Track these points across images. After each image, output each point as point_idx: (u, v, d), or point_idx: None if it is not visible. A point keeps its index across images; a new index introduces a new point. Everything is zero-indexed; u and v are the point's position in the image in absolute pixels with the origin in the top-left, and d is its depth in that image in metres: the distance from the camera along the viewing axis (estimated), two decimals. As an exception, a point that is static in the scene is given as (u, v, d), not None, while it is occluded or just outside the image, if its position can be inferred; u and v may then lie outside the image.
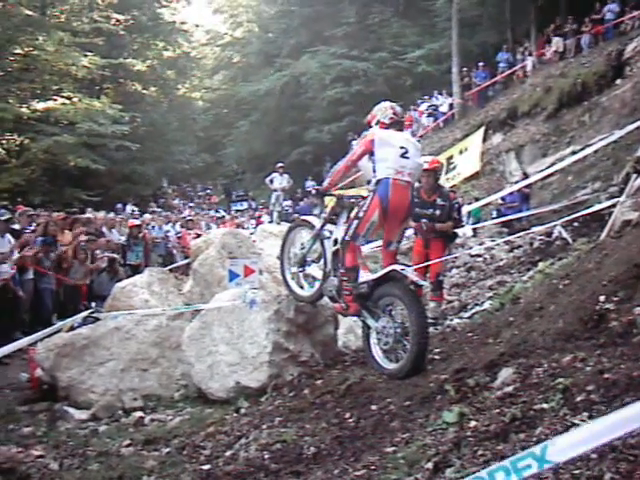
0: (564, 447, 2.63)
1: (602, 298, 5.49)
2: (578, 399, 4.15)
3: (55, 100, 32.53)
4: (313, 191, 7.73)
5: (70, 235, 15.01)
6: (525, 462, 2.62)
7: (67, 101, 32.70)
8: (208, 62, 60.02)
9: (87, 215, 19.17)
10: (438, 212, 10.08)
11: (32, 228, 14.21)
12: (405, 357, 6.39)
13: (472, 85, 30.79)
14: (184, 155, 49.80)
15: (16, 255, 12.01)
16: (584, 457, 3.27)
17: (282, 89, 40.61)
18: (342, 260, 6.97)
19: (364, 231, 6.89)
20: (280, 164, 24.32)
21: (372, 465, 4.55)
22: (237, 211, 32.04)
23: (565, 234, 12.28)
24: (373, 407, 5.74)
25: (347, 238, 6.91)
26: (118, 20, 40.16)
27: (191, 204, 43.28)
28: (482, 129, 25.11)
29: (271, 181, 23.75)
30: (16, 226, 13.67)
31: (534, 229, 13.51)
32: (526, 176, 18.34)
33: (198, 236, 16.47)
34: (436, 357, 6.79)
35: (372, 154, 7.01)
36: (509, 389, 4.70)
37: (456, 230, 10.50)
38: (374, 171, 6.96)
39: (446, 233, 10.18)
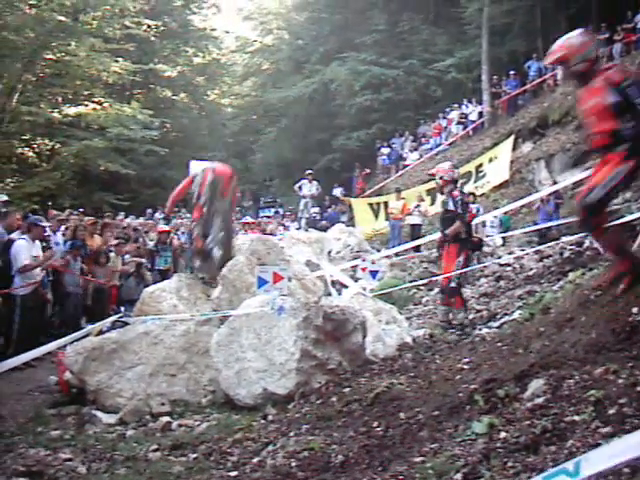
0: (596, 461, 2.60)
1: (635, 310, 5.41)
2: (610, 412, 4.11)
3: (86, 105, 32.84)
4: None
5: (99, 239, 15.11)
6: (558, 478, 2.59)
7: (98, 106, 33.00)
8: (238, 68, 60.18)
9: (118, 219, 19.30)
10: (447, 216, 10.48)
11: (59, 232, 14.35)
12: None
13: (502, 93, 30.63)
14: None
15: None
16: (616, 471, 3.23)
17: (311, 96, 40.61)
18: None
19: None
20: (309, 171, 24.34)
21: (400, 475, 4.52)
22: (265, 217, 32.06)
23: (596, 244, 12.16)
24: (401, 416, 5.71)
25: None
26: (149, 26, 40.45)
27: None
28: (512, 138, 24.99)
29: (300, 188, 23.78)
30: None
31: (564, 239, 13.40)
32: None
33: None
34: (465, 367, 6.73)
35: None
36: (540, 400, 4.66)
37: (474, 235, 10.60)
38: None
39: (460, 237, 10.32)
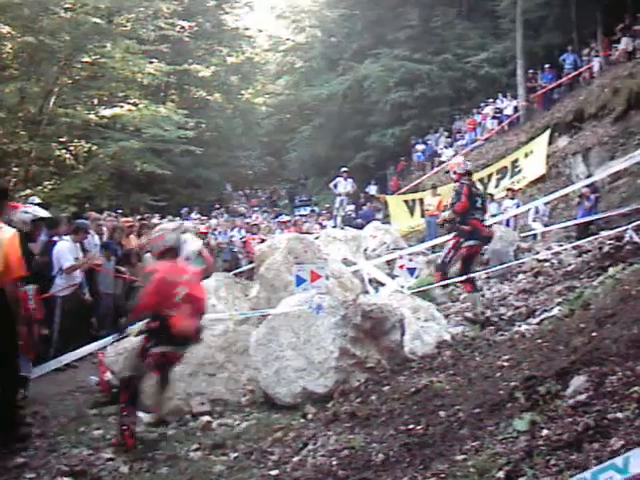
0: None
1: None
2: (654, 408, 4.07)
3: (122, 107, 33.10)
4: None
5: (135, 240, 15.23)
6: (607, 474, 2.57)
7: (133, 107, 33.24)
8: (271, 67, 60.38)
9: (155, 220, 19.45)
10: None
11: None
12: None
13: (537, 87, 30.33)
14: (248, 160, 50.23)
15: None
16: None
17: (345, 93, 40.45)
18: None
19: None
20: (344, 169, 24.27)
21: (442, 473, 4.51)
22: (300, 216, 32.10)
23: (636, 238, 12.00)
24: (442, 414, 5.69)
25: None
26: (183, 27, 40.68)
27: (255, 208, 43.48)
28: (548, 132, 24.72)
29: (335, 186, 23.72)
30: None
31: (603, 233, 13.26)
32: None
33: (262, 241, 16.55)
34: (505, 364, 6.69)
35: None
36: (582, 397, 4.62)
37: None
38: None
39: (452, 225, 11.21)
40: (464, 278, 11.00)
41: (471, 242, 10.86)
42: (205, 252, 13.64)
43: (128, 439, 6.80)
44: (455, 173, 11.20)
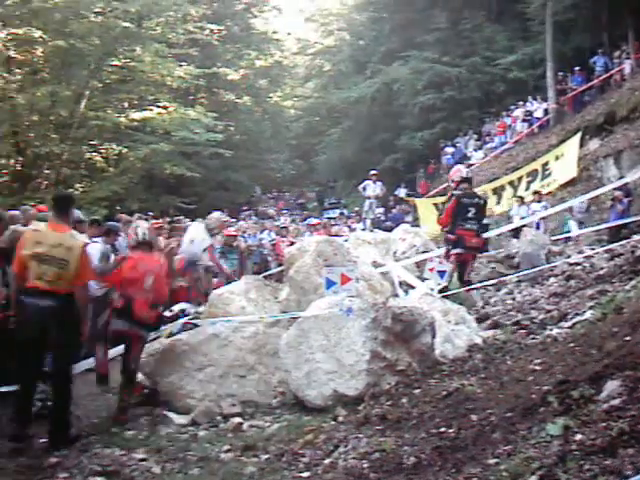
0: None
1: None
2: (690, 413, 4.03)
3: (151, 110, 33.25)
4: None
5: (163, 241, 15.26)
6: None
7: (163, 110, 33.39)
8: (300, 70, 60.59)
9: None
10: None
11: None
12: None
13: (567, 90, 30.13)
14: (277, 163, 50.38)
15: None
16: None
17: (373, 96, 40.36)
18: None
19: None
20: (373, 171, 24.21)
21: (474, 477, 4.50)
22: (329, 218, 32.07)
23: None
24: (473, 417, 5.67)
25: None
26: (212, 31, 40.82)
27: (284, 211, 43.49)
28: (578, 134, 24.53)
29: (364, 189, 23.67)
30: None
31: (636, 237, 13.15)
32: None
33: (291, 244, 16.56)
34: (537, 367, 6.65)
35: None
36: (616, 402, 4.58)
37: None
38: None
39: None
40: (467, 288, 11.57)
41: (457, 250, 11.42)
42: (212, 253, 13.84)
43: None
44: (453, 181, 11.50)
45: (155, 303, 8.41)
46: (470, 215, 11.25)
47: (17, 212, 11.31)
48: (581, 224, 18.29)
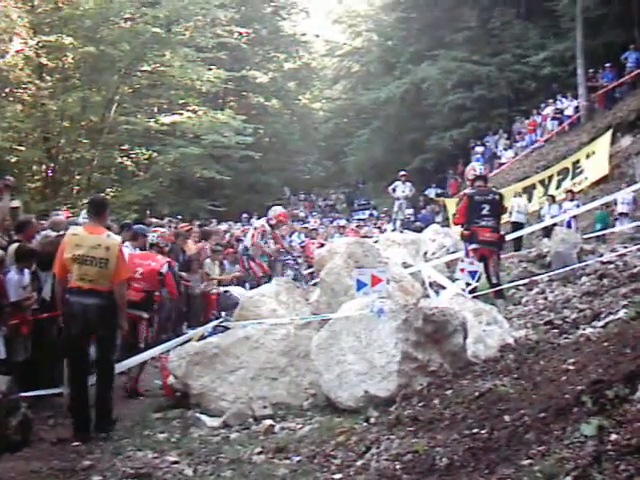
0: None
1: None
2: None
3: (181, 114, 33.49)
4: None
5: (193, 245, 15.33)
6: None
7: (192, 114, 33.60)
8: (328, 72, 60.59)
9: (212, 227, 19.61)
10: None
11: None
12: None
13: (598, 87, 29.83)
14: (306, 165, 50.47)
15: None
16: None
17: (402, 96, 40.23)
18: None
19: None
20: (403, 172, 24.16)
21: (508, 478, 4.44)
22: (359, 220, 32.07)
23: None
24: (506, 418, 5.60)
25: None
26: (240, 34, 41.05)
27: (314, 213, 43.51)
28: (610, 132, 24.34)
29: (394, 189, 23.62)
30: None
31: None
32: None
33: (321, 245, 16.56)
34: (570, 367, 6.57)
35: None
36: (652, 402, 4.53)
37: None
38: None
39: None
40: (494, 290, 11.34)
41: (473, 246, 11.29)
42: (279, 240, 14.84)
43: None
44: (468, 180, 11.51)
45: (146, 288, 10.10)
46: (484, 212, 11.15)
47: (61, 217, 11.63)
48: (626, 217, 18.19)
